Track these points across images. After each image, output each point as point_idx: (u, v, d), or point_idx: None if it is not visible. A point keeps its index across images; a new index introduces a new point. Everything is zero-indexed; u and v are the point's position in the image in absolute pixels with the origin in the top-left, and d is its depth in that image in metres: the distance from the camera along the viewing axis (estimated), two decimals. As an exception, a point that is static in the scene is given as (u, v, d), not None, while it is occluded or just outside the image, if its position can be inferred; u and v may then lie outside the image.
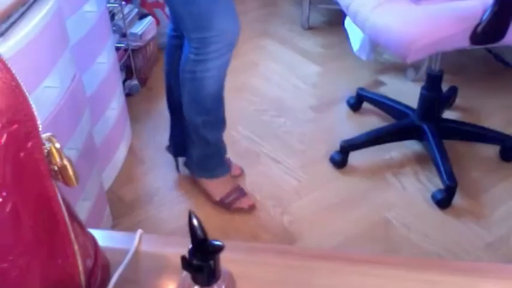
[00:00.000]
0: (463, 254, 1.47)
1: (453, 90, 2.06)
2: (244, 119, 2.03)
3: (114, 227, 1.57)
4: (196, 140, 1.56)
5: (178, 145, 1.70)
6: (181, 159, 1.75)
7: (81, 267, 0.49)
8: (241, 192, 1.63)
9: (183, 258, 0.46)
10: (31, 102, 0.42)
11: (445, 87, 1.88)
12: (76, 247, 0.49)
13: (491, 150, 1.83)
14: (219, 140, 1.60)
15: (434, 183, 1.70)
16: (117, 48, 1.94)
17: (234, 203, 1.61)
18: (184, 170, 1.75)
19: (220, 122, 1.57)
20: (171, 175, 1.77)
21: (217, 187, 1.63)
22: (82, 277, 0.50)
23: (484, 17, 1.36)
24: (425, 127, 1.76)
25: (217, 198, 1.62)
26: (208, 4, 1.30)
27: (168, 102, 1.65)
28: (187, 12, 1.33)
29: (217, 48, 1.36)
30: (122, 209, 1.64)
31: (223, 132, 1.59)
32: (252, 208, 1.61)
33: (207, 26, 1.32)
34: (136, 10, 2.19)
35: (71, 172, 0.45)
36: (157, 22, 2.32)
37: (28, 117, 0.42)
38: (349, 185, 1.72)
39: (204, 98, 1.46)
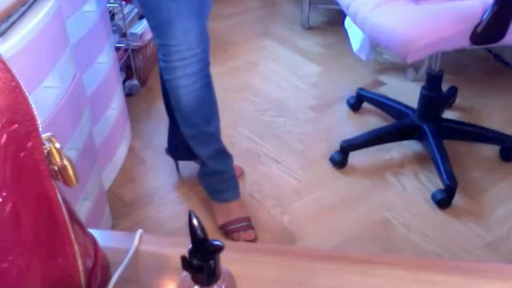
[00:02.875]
0: (463, 254, 1.47)
1: (453, 90, 2.06)
2: (244, 119, 2.03)
3: (114, 227, 1.57)
4: (198, 157, 1.53)
5: (178, 149, 1.69)
6: (181, 161, 1.75)
7: (81, 267, 0.49)
8: (245, 225, 1.54)
9: (183, 258, 0.46)
10: (31, 102, 0.42)
11: (445, 87, 1.88)
12: (76, 247, 0.49)
13: (491, 150, 1.83)
14: (215, 160, 1.52)
15: (434, 183, 1.70)
16: (117, 48, 1.94)
17: (232, 233, 1.54)
18: (184, 171, 1.76)
19: (208, 139, 1.49)
20: (171, 175, 1.77)
21: (222, 212, 1.57)
22: (82, 277, 0.50)
23: (484, 17, 1.36)
24: (425, 127, 1.76)
25: (219, 223, 1.57)
26: (169, 11, 1.27)
27: (165, 105, 1.64)
28: (151, 17, 1.32)
29: (181, 58, 1.33)
30: (122, 209, 1.64)
31: (217, 151, 1.52)
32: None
33: (168, 33, 1.30)
34: (136, 10, 2.19)
35: (71, 172, 0.45)
36: (157, 22, 2.32)
37: (28, 117, 0.42)
38: (349, 185, 1.72)
39: (182, 108, 1.41)
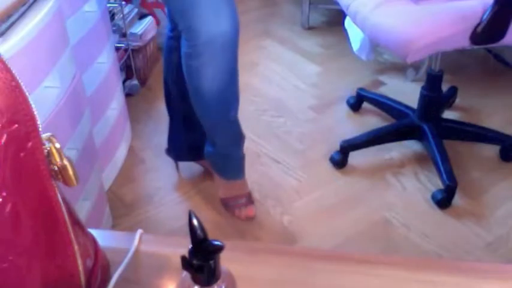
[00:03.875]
0: (463, 254, 1.47)
1: (453, 90, 2.06)
2: (245, 119, 2.02)
3: (114, 227, 1.57)
4: (208, 137, 1.53)
5: (178, 149, 1.69)
6: (181, 162, 1.75)
7: (81, 267, 0.49)
8: (246, 201, 1.60)
9: (183, 258, 0.46)
10: (31, 102, 0.42)
11: (445, 87, 1.88)
12: (76, 247, 0.49)
13: (491, 150, 1.83)
14: (230, 145, 1.53)
15: (434, 183, 1.70)
16: (117, 48, 1.94)
17: (233, 209, 1.59)
18: (184, 171, 1.76)
19: (228, 125, 1.48)
20: (171, 175, 1.77)
21: (225, 187, 1.61)
22: (82, 277, 0.50)
23: (484, 17, 1.36)
24: (425, 127, 1.76)
25: (220, 196, 1.62)
26: None
27: (167, 106, 1.64)
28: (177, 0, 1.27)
29: (207, 41, 1.26)
30: (121, 209, 1.64)
31: (235, 135, 1.52)
32: (248, 219, 1.58)
33: (192, 14, 1.25)
34: (136, 10, 2.19)
35: (71, 172, 0.45)
36: (157, 22, 2.32)
37: (28, 117, 0.42)
38: (349, 185, 1.72)
39: (204, 95, 1.38)
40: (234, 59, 1.35)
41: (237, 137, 1.54)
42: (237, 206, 1.59)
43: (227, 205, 1.61)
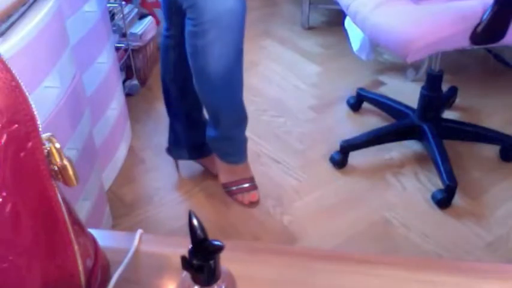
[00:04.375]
0: (463, 254, 1.47)
1: (453, 90, 2.06)
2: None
3: (114, 227, 1.57)
4: (210, 120, 1.50)
5: (178, 148, 1.69)
6: (181, 161, 1.75)
7: (81, 267, 0.50)
8: (249, 186, 1.59)
9: (183, 258, 0.46)
10: (31, 102, 0.42)
11: (445, 87, 1.88)
12: (76, 247, 0.49)
13: (491, 150, 1.83)
14: (235, 126, 1.50)
15: (434, 183, 1.70)
16: (117, 48, 1.94)
17: (236, 194, 1.58)
18: (184, 171, 1.76)
19: (234, 105, 1.44)
20: (171, 175, 1.77)
21: (227, 171, 1.59)
22: (82, 277, 0.50)
23: (484, 17, 1.36)
24: (425, 127, 1.76)
25: (222, 181, 1.60)
26: None
27: (166, 105, 1.64)
28: None
29: (213, 17, 1.22)
30: (122, 209, 1.64)
31: (239, 116, 1.49)
32: (252, 205, 1.58)
33: None
34: (136, 10, 2.19)
35: (71, 172, 0.45)
36: (157, 22, 2.32)
37: (28, 117, 0.42)
38: (349, 185, 1.72)
39: (210, 75, 1.33)
40: (240, 38, 1.30)
41: (242, 119, 1.51)
42: (240, 191, 1.57)
43: (229, 190, 1.58)
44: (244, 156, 1.60)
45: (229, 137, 1.54)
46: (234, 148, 1.57)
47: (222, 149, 1.58)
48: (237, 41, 1.30)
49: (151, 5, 2.33)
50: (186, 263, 0.46)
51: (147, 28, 2.16)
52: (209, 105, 1.46)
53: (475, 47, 1.44)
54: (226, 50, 1.29)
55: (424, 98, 1.78)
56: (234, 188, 1.58)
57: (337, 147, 1.79)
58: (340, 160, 1.78)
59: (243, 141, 1.58)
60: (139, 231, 0.63)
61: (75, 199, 1.28)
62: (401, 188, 1.70)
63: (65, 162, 0.45)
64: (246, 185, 1.59)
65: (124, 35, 2.04)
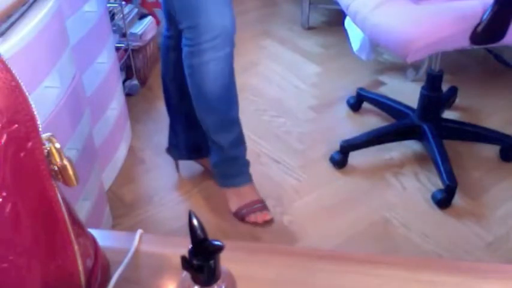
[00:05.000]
0: (463, 254, 1.47)
1: (453, 90, 2.06)
2: (244, 119, 2.02)
3: (114, 227, 1.57)
4: (211, 144, 1.52)
5: (178, 148, 1.69)
6: (181, 161, 1.75)
7: (81, 267, 0.50)
8: (260, 207, 1.56)
9: (183, 258, 0.46)
10: (31, 102, 0.42)
11: (445, 87, 1.88)
12: (76, 247, 0.49)
13: (491, 150, 1.83)
14: (234, 146, 1.52)
15: (434, 183, 1.70)
16: (117, 48, 1.94)
17: (249, 215, 1.54)
18: (184, 171, 1.75)
19: (231, 125, 1.49)
20: (171, 175, 1.77)
21: (234, 197, 1.58)
22: (82, 277, 0.50)
23: (484, 17, 1.36)
24: (425, 127, 1.76)
25: (233, 209, 1.57)
26: None
27: (166, 105, 1.64)
28: None
29: (210, 38, 1.29)
30: (121, 209, 1.64)
31: (238, 136, 1.52)
32: (266, 224, 1.54)
33: (197, 12, 1.27)
34: (136, 10, 2.19)
35: (71, 172, 0.45)
36: (157, 22, 2.32)
37: (28, 117, 0.42)
38: (349, 185, 1.72)
39: (206, 95, 1.39)
40: (232, 56, 1.37)
41: (240, 139, 1.55)
42: (253, 211, 1.54)
43: (242, 214, 1.55)
44: (248, 177, 1.59)
45: (233, 157, 1.55)
46: (237, 169, 1.57)
47: (226, 171, 1.58)
48: (230, 60, 1.36)
49: (151, 5, 2.33)
50: (186, 263, 0.46)
51: (147, 28, 2.16)
52: (208, 125, 1.48)
53: (475, 47, 1.44)
54: (222, 68, 1.36)
55: (424, 98, 1.78)
56: (244, 210, 1.55)
57: (337, 147, 1.79)
58: (340, 160, 1.78)
59: (245, 162, 1.58)
60: (139, 231, 0.63)
61: (75, 199, 1.28)
62: (401, 188, 1.70)
63: (65, 162, 0.45)
64: (258, 206, 1.55)
65: (124, 35, 2.04)
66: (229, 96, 1.43)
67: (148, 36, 2.18)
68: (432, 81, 1.75)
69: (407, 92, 2.10)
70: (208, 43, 1.30)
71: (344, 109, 2.08)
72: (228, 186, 1.59)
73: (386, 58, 2.40)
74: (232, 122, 1.50)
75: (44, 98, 1.14)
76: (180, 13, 1.32)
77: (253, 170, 1.75)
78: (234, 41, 1.36)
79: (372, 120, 2.01)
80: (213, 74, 1.35)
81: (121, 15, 2.01)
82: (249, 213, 1.55)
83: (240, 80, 2.25)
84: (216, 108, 1.43)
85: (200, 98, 1.42)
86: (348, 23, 1.81)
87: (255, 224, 1.55)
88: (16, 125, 0.41)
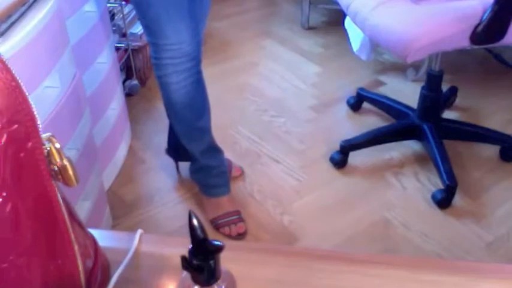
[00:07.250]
0: (463, 254, 1.47)
1: (453, 90, 2.06)
2: (245, 119, 2.03)
3: (114, 227, 1.57)
4: (189, 153, 1.54)
5: (178, 149, 1.69)
6: (181, 162, 1.75)
7: (81, 267, 0.50)
8: (235, 218, 1.55)
9: (183, 258, 0.46)
10: (31, 102, 0.42)
11: (445, 87, 1.88)
12: (76, 247, 0.49)
13: (491, 150, 1.83)
14: (206, 155, 1.53)
15: (434, 183, 1.70)
16: (117, 48, 1.94)
17: (222, 227, 1.54)
18: (184, 171, 1.75)
19: (200, 134, 1.50)
20: (171, 175, 1.77)
21: (213, 206, 1.58)
22: (82, 277, 0.50)
23: (484, 17, 1.36)
24: (425, 127, 1.76)
25: (209, 217, 1.57)
26: (158, 9, 1.27)
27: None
28: (141, 16, 1.33)
29: (171, 56, 1.34)
30: (122, 209, 1.64)
31: (210, 146, 1.53)
32: (239, 236, 1.53)
33: (157, 32, 1.31)
34: (136, 10, 2.19)
35: (71, 172, 0.45)
36: (157, 22, 2.32)
37: (28, 117, 0.42)
38: (349, 185, 1.72)
39: (173, 105, 1.43)
40: (196, 68, 1.39)
41: (213, 148, 1.56)
42: (227, 224, 1.54)
43: (217, 224, 1.55)
44: (227, 188, 1.59)
45: (206, 165, 1.55)
46: (214, 179, 1.57)
47: (203, 181, 1.59)
48: (194, 71, 1.39)
49: (151, 5, 2.33)
50: (186, 263, 0.46)
51: (147, 28, 2.15)
52: (178, 134, 1.50)
53: (475, 47, 1.44)
54: (184, 82, 1.38)
55: (424, 98, 1.78)
56: (220, 221, 1.55)
57: (337, 147, 1.79)
58: (340, 160, 1.78)
59: (221, 172, 1.58)
60: (139, 231, 0.63)
61: (75, 199, 1.28)
62: (401, 188, 1.70)
63: (65, 162, 0.45)
64: (233, 218, 1.55)
65: (124, 35, 2.04)
66: (197, 107, 1.45)
67: (148, 36, 2.18)
68: (432, 81, 1.75)
69: (407, 92, 2.10)
70: (167, 59, 1.35)
71: (344, 109, 2.08)
72: (206, 195, 1.60)
73: (386, 58, 2.40)
74: (201, 131, 1.51)
75: (44, 98, 1.14)
76: (143, 29, 1.37)
77: (253, 170, 1.75)
78: (200, 54, 1.38)
79: (372, 120, 2.01)
80: (176, 85, 1.39)
81: (121, 15, 2.01)
82: (223, 225, 1.54)
83: (240, 80, 2.27)
84: (183, 117, 1.46)
85: (168, 107, 1.46)
86: (348, 23, 1.81)
87: (229, 236, 1.54)
88: (16, 125, 0.41)
